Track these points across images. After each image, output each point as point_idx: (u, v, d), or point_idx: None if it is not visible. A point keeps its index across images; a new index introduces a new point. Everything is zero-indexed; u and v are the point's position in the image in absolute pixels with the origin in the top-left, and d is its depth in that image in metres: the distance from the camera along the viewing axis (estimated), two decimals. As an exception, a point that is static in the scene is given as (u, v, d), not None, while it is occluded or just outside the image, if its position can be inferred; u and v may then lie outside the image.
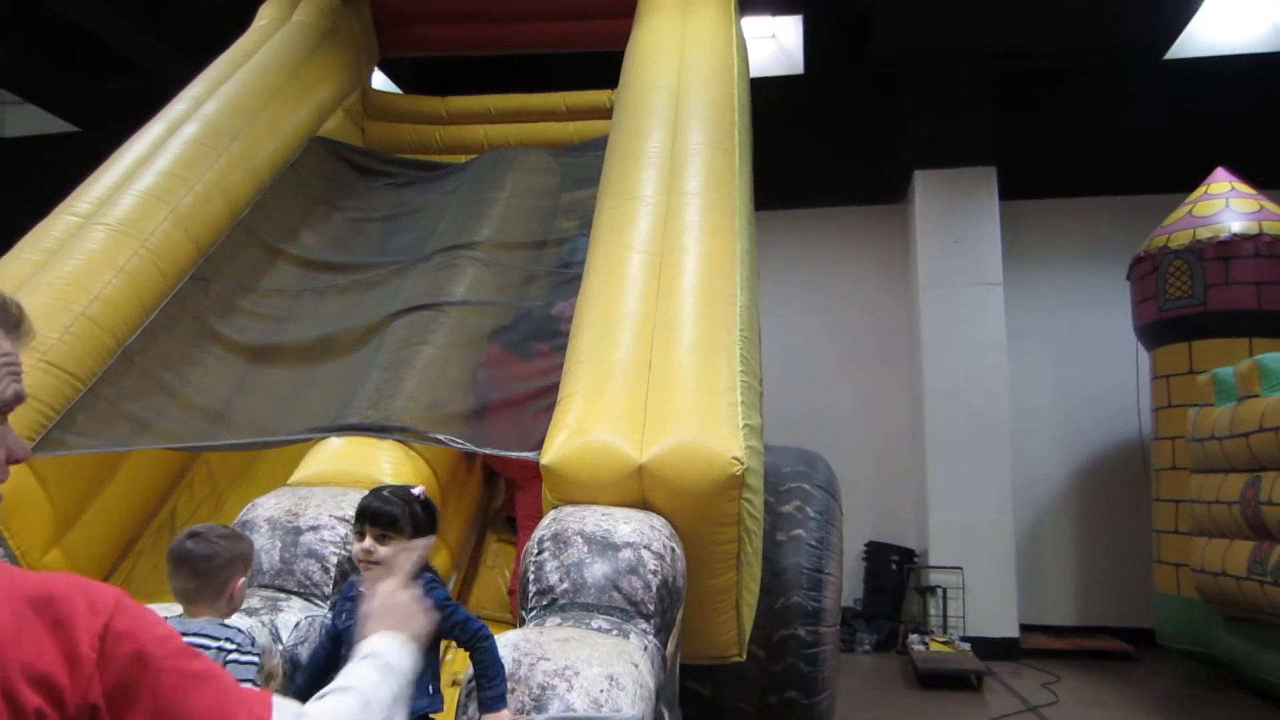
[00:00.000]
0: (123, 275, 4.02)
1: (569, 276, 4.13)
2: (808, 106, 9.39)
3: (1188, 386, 7.20)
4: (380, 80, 7.81)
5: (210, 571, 2.12)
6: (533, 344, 4.04)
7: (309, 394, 3.92)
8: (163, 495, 4.26)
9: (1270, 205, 7.29)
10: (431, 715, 2.23)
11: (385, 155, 5.97)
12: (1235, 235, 7.03)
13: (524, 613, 2.60)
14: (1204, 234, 7.18)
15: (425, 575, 2.24)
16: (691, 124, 4.44)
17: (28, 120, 10.23)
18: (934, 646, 7.65)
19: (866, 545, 9.19)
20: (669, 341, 3.26)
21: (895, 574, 8.90)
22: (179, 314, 4.21)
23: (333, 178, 5.51)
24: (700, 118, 4.48)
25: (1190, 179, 7.90)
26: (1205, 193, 7.62)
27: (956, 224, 8.90)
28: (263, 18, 5.97)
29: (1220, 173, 7.69)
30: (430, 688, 2.20)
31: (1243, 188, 7.49)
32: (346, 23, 6.11)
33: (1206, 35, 8.12)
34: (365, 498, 2.28)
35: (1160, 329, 7.54)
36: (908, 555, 8.94)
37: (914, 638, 7.89)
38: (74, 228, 4.16)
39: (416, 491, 2.32)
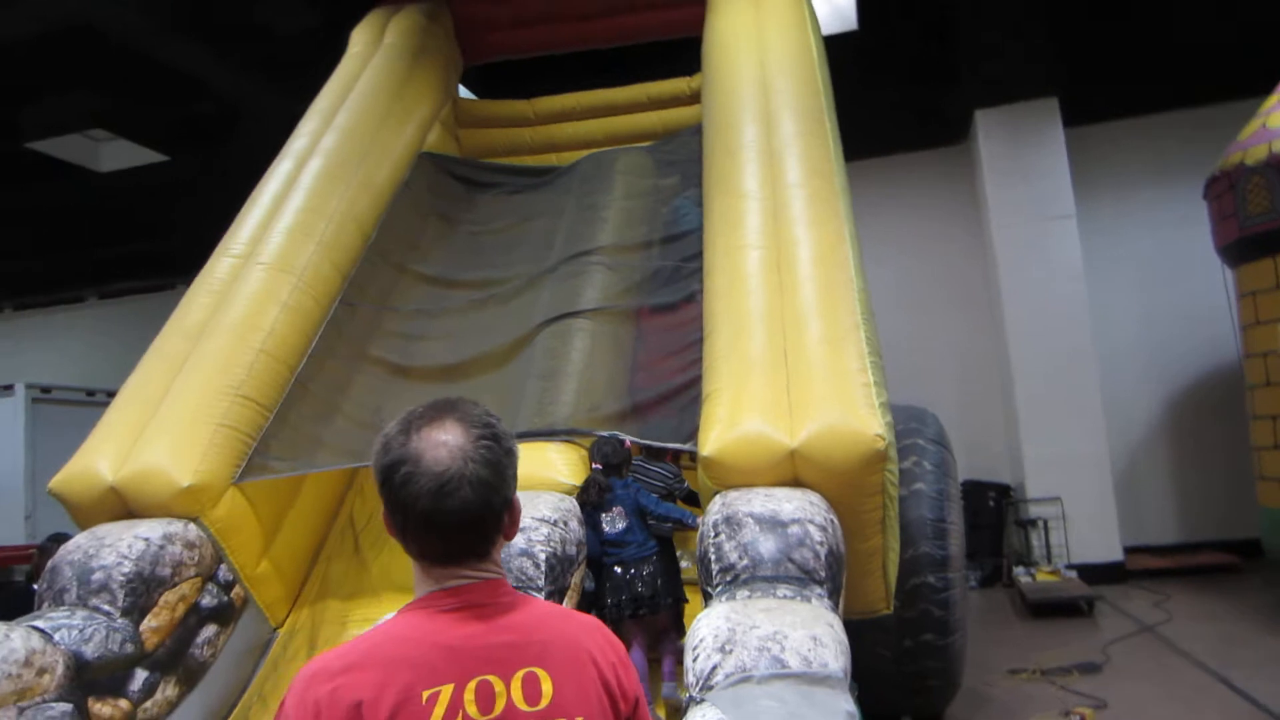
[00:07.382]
0: (286, 310, 4.47)
1: (690, 270, 4.46)
2: (866, 60, 9.44)
3: (1275, 301, 7.25)
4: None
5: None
6: (677, 302, 4.46)
7: None
8: (338, 502, 4.76)
9: (1347, 112, 7.20)
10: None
11: (487, 164, 6.27)
12: (1313, 147, 6.99)
13: (709, 588, 2.98)
14: (1280, 148, 7.15)
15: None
16: (783, 115, 4.68)
17: (120, 154, 10.78)
18: (1041, 576, 7.85)
19: (963, 484, 9.40)
20: (799, 332, 3.58)
21: (993, 510, 9.10)
22: (335, 339, 4.65)
23: (443, 192, 5.85)
24: (791, 108, 4.71)
25: (1259, 83, 7.78)
26: (1278, 102, 7.54)
27: (1023, 158, 8.95)
28: (355, 44, 6.31)
29: (1289, 80, 7.59)
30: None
31: (1315, 93, 7.38)
32: (433, 38, 6.44)
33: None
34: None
35: (1242, 246, 7.53)
36: (1004, 491, 9.15)
37: (1019, 570, 8.09)
38: (235, 269, 4.62)
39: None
